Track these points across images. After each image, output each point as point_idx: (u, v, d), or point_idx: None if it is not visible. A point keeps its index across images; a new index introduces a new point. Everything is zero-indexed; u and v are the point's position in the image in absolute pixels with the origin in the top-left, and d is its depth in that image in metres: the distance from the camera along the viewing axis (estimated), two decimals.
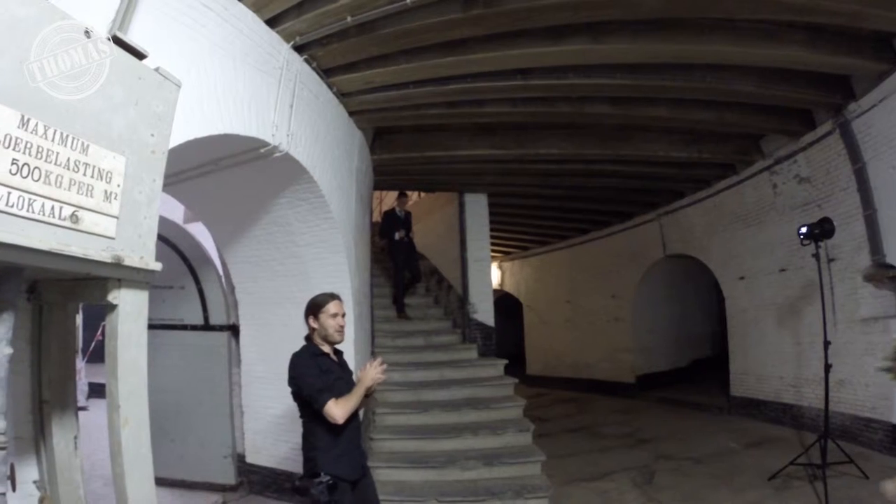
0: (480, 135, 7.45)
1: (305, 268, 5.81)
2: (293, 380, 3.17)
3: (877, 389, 6.10)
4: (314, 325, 3.36)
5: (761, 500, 5.18)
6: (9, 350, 2.04)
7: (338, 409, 3.03)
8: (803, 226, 5.72)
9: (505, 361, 7.98)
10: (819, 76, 5.98)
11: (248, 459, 6.23)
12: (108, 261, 2.12)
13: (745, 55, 5.33)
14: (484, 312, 9.28)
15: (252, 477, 6.20)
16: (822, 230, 5.62)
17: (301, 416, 3.27)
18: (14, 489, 2.15)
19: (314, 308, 3.39)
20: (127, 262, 2.19)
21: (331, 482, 3.03)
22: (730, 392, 8.91)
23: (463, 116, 6.78)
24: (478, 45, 5.11)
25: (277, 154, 4.45)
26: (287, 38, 4.63)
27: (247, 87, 3.94)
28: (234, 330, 6.47)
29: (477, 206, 9.62)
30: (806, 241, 5.66)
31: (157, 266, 2.36)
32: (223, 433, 6.36)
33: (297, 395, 3.21)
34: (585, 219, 12.12)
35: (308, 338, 3.41)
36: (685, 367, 11.95)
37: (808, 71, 5.86)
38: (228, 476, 6.28)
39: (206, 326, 6.58)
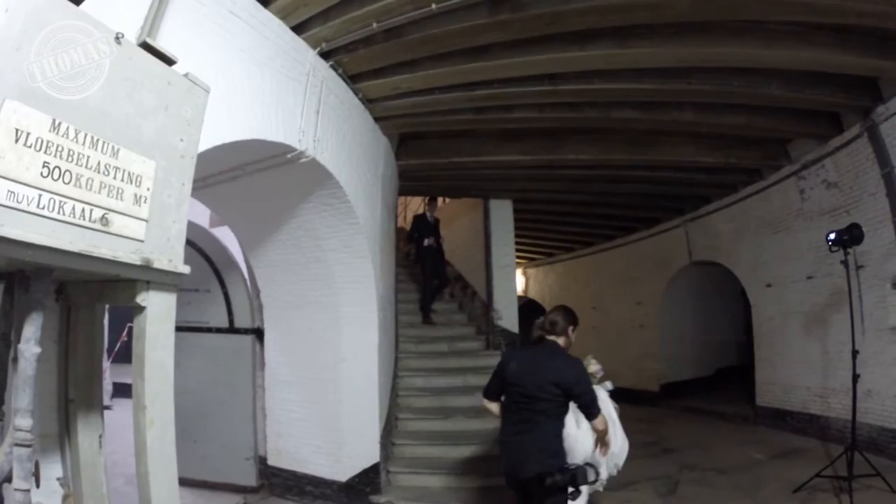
0: (507, 140, 7.49)
1: (330, 272, 5.87)
2: (582, 384, 3.45)
3: None
4: (571, 335, 3.68)
5: None
6: (37, 349, 2.09)
7: (602, 423, 3.53)
8: (832, 232, 5.62)
9: None
10: (847, 78, 5.91)
11: (270, 462, 6.29)
12: (138, 263, 2.16)
13: (773, 58, 5.29)
14: (508, 319, 9.31)
15: (273, 479, 6.25)
16: (850, 236, 5.49)
17: (545, 413, 3.48)
18: (38, 486, 2.20)
19: (575, 321, 3.74)
20: (156, 264, 2.23)
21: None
22: (755, 402, 8.83)
23: (490, 122, 6.83)
24: (505, 51, 5.14)
25: (304, 159, 4.51)
26: (313, 45, 4.71)
27: (273, 93, 3.99)
28: (258, 333, 6.54)
29: (502, 212, 9.69)
30: (834, 248, 5.56)
31: (186, 269, 2.39)
32: (245, 435, 6.43)
33: (567, 395, 3.45)
34: (611, 225, 12.14)
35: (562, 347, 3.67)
36: (710, 375, 11.89)
37: (837, 73, 5.80)
38: (250, 478, 6.34)
39: (231, 329, 6.66)
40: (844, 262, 5.46)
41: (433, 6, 4.22)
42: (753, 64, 5.50)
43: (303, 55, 4.57)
